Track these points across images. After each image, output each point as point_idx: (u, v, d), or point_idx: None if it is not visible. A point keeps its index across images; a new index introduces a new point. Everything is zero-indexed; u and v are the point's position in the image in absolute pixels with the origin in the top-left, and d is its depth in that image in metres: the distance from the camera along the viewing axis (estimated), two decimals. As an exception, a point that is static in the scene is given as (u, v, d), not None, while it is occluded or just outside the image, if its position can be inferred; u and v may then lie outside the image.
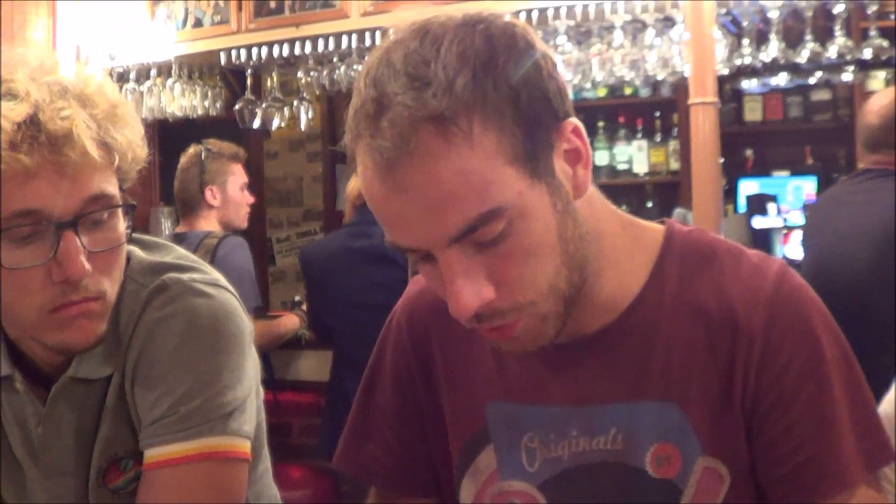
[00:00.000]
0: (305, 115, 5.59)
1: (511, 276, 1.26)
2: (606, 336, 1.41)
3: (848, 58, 4.40)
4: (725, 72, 4.46)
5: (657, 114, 7.03)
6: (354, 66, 4.98)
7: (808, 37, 4.33)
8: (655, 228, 1.47)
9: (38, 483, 1.65)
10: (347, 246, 4.48)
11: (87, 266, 1.48)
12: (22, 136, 1.41)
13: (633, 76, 4.60)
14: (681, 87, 5.34)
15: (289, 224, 7.71)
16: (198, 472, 1.55)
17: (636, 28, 4.49)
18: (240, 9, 5.06)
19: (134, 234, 1.63)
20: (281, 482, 1.93)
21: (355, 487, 4.15)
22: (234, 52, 5.17)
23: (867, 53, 4.39)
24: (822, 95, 6.74)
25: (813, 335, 1.35)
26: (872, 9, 4.36)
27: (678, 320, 1.39)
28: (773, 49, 4.33)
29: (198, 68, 5.62)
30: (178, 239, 4.43)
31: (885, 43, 4.35)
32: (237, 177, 4.73)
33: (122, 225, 1.56)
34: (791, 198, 6.71)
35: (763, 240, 5.90)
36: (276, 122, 5.58)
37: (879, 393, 1.89)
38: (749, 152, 7.12)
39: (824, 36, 4.36)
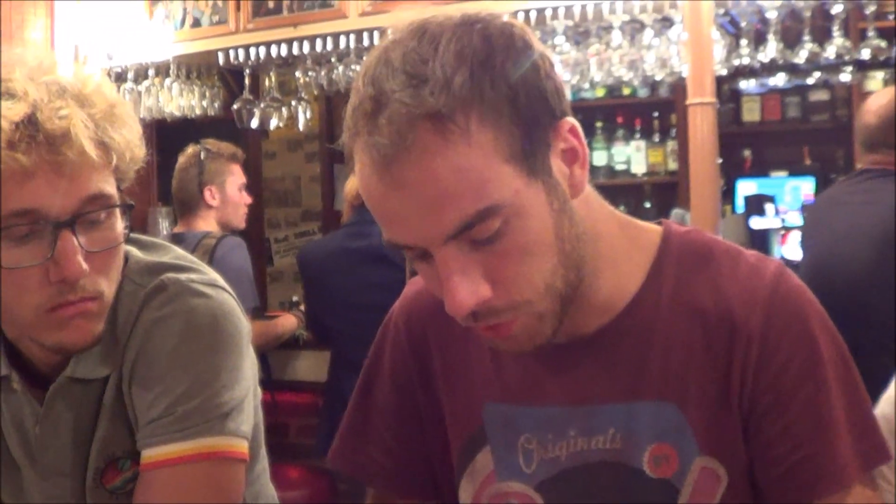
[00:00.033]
0: (303, 116, 5.59)
1: (507, 274, 1.26)
2: (604, 336, 1.41)
3: (846, 58, 4.40)
4: (724, 72, 4.46)
5: (655, 114, 7.04)
6: (353, 67, 4.97)
7: (807, 37, 4.32)
8: (652, 229, 1.47)
9: (35, 484, 1.65)
10: (345, 246, 4.48)
11: (85, 266, 1.48)
12: (20, 135, 1.41)
13: (631, 76, 4.60)
14: (679, 87, 5.35)
15: (287, 224, 7.71)
16: (195, 472, 1.55)
17: (634, 28, 4.49)
18: (238, 9, 5.06)
19: (132, 234, 1.63)
20: (278, 482, 1.93)
21: (352, 487, 4.16)
22: (232, 52, 5.17)
23: (865, 54, 4.39)
24: (821, 96, 6.75)
25: (810, 336, 1.36)
26: (871, 9, 4.35)
27: (675, 320, 1.39)
28: (772, 49, 4.33)
29: (196, 68, 5.63)
30: (177, 239, 4.42)
31: (884, 43, 4.35)
32: (236, 177, 4.73)
33: (119, 225, 1.56)
34: (789, 198, 6.72)
35: (761, 240, 5.89)
36: (274, 123, 5.58)
37: (878, 393, 1.89)
38: (747, 153, 7.13)
39: (822, 36, 4.36)
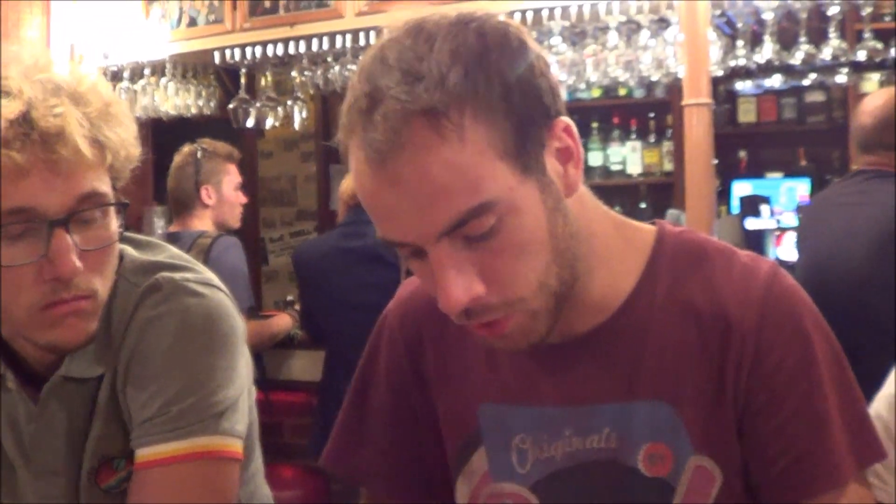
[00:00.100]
0: (299, 115, 5.60)
1: (501, 271, 1.26)
2: (599, 336, 1.41)
3: (842, 59, 4.41)
4: (720, 73, 4.47)
5: (651, 115, 7.03)
6: (349, 66, 4.98)
7: (803, 38, 4.33)
8: (647, 229, 1.47)
9: (28, 483, 1.64)
10: (341, 246, 4.47)
11: (79, 264, 1.47)
12: (14, 133, 1.41)
13: (627, 77, 4.61)
14: (675, 88, 5.33)
15: (282, 224, 7.71)
16: (189, 471, 1.55)
17: (631, 29, 4.50)
18: (234, 8, 5.06)
19: (127, 233, 1.63)
20: (272, 482, 1.93)
21: (346, 487, 4.15)
22: (228, 52, 5.17)
23: (861, 55, 4.39)
24: (816, 97, 6.75)
25: (804, 335, 1.36)
26: (867, 11, 4.35)
27: (670, 320, 1.40)
28: (768, 50, 4.33)
29: (192, 67, 5.63)
30: (172, 238, 4.42)
31: (880, 45, 4.36)
32: (232, 177, 4.72)
33: (114, 223, 1.56)
34: (784, 199, 6.72)
35: (756, 241, 5.89)
36: (269, 122, 5.59)
37: (876, 392, 1.90)
38: (743, 154, 7.12)
39: (818, 38, 4.37)
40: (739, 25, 4.42)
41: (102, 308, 1.58)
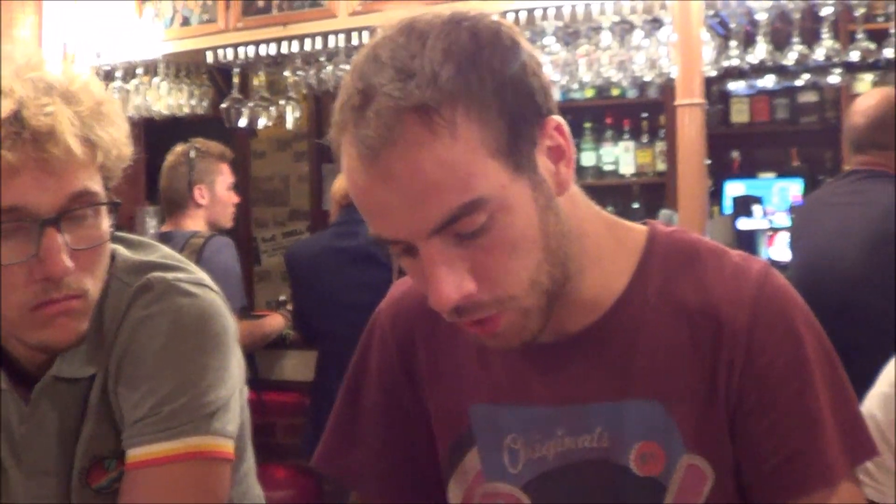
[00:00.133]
0: (292, 115, 5.59)
1: (492, 269, 1.26)
2: (591, 335, 1.41)
3: (835, 60, 4.42)
4: (713, 73, 4.48)
5: (644, 115, 7.04)
6: (342, 66, 4.98)
7: (796, 39, 4.34)
8: (638, 229, 1.48)
9: (20, 484, 1.64)
10: (333, 246, 4.48)
11: (70, 264, 1.47)
12: (6, 132, 1.41)
13: (620, 77, 4.61)
14: (668, 88, 5.35)
15: (274, 224, 7.70)
16: (181, 471, 1.54)
17: (624, 29, 4.50)
18: (227, 8, 5.06)
19: (119, 233, 1.63)
20: (264, 482, 1.92)
21: (338, 487, 4.15)
22: (221, 51, 5.16)
23: (854, 56, 4.40)
24: (809, 97, 6.76)
25: (796, 334, 1.37)
26: (860, 11, 4.36)
27: (662, 319, 1.40)
28: (761, 51, 4.34)
29: (185, 67, 5.62)
30: (164, 238, 4.41)
31: (872, 45, 4.36)
32: (225, 176, 4.72)
33: (105, 223, 1.55)
34: (777, 199, 6.72)
35: (748, 241, 5.91)
36: (262, 122, 5.58)
37: (868, 391, 1.90)
38: (735, 154, 7.13)
39: (811, 38, 4.37)
40: (732, 26, 4.43)
41: (94, 308, 1.57)
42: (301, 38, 4.94)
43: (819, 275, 3.59)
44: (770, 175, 6.93)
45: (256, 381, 4.70)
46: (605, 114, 7.12)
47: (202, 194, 4.62)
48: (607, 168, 7.07)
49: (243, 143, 7.35)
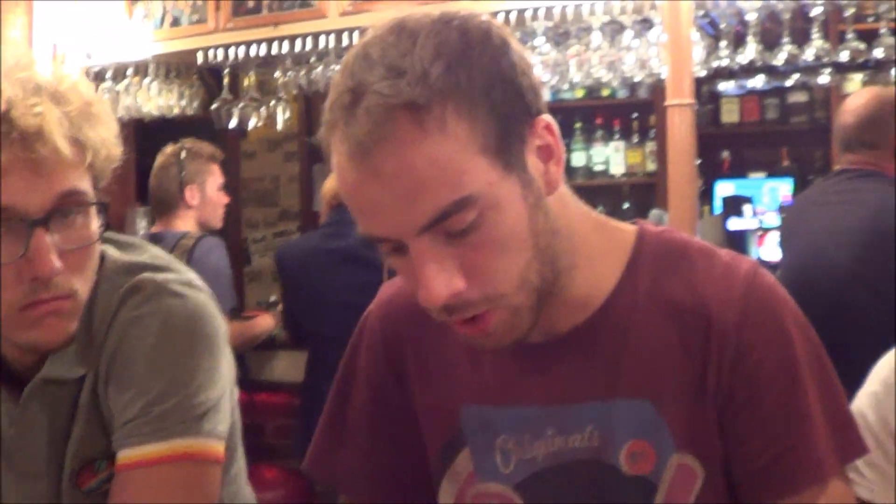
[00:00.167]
0: (282, 115, 5.58)
1: (482, 267, 1.27)
2: (580, 334, 1.42)
3: (825, 60, 4.42)
4: (703, 74, 4.48)
5: (634, 115, 7.03)
6: (332, 66, 4.97)
7: (785, 39, 4.34)
8: (627, 228, 1.48)
9: (10, 485, 1.63)
10: (323, 246, 4.47)
11: (58, 264, 1.47)
12: (-6, 132, 1.41)
13: (610, 77, 4.61)
14: (658, 88, 5.35)
15: (265, 224, 7.69)
16: (171, 473, 1.54)
17: (614, 29, 4.50)
18: (217, 8, 5.05)
19: (109, 234, 1.62)
20: (254, 483, 1.92)
21: (329, 488, 4.14)
22: (211, 52, 5.15)
23: (844, 56, 4.41)
24: (799, 97, 6.76)
25: (785, 332, 1.37)
26: (849, 11, 4.37)
27: (651, 318, 1.40)
28: (751, 51, 4.34)
29: (175, 67, 5.61)
30: (155, 239, 4.41)
31: (862, 45, 4.37)
32: (215, 177, 4.71)
33: (94, 223, 1.55)
34: (767, 199, 6.73)
35: (738, 241, 5.91)
36: (252, 122, 5.57)
37: (859, 389, 1.90)
38: (726, 154, 7.13)
39: (801, 38, 4.37)
40: (722, 26, 4.43)
41: (83, 308, 1.57)
42: (291, 38, 4.93)
43: (810, 274, 3.60)
44: (760, 175, 6.94)
45: (247, 381, 4.70)
46: (595, 114, 7.11)
47: (193, 195, 4.61)
48: (598, 168, 7.07)
49: (233, 144, 7.33)
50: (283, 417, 5.04)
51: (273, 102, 5.53)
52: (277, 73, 5.37)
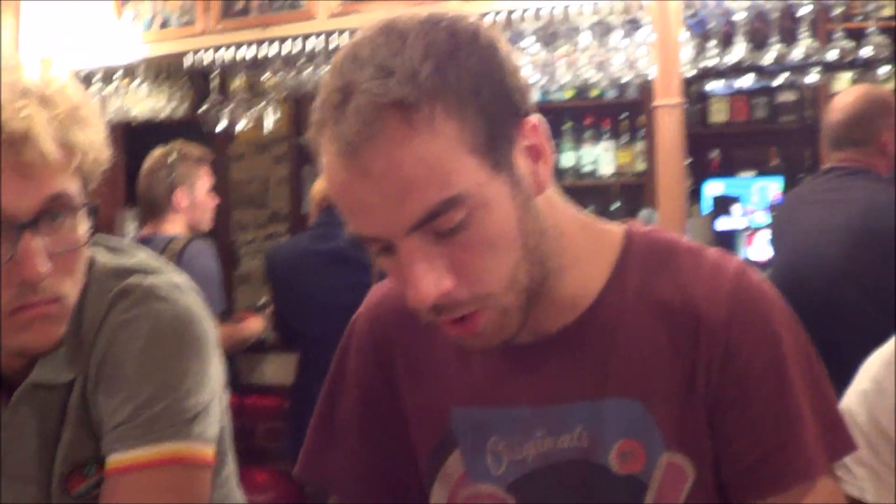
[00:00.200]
0: (272, 117, 5.58)
1: (471, 266, 1.27)
2: (569, 334, 1.42)
3: (813, 59, 4.43)
4: (691, 73, 4.49)
5: (623, 115, 7.02)
6: (322, 68, 4.96)
7: (774, 38, 4.35)
8: (616, 229, 1.49)
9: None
10: (312, 248, 4.47)
11: (46, 267, 1.46)
12: (-19, 136, 1.40)
13: (599, 78, 4.61)
14: (647, 88, 5.35)
15: (254, 226, 7.68)
16: (161, 477, 1.54)
17: (602, 30, 4.51)
18: (206, 10, 5.04)
19: (98, 237, 1.62)
20: (245, 486, 1.92)
21: (319, 491, 4.15)
22: (200, 54, 5.14)
23: (832, 55, 4.42)
24: (788, 97, 6.76)
25: (773, 331, 1.37)
26: (837, 11, 4.38)
27: (640, 318, 1.41)
28: (739, 51, 4.36)
29: (164, 70, 5.60)
30: (144, 242, 4.39)
31: (851, 44, 4.38)
32: (205, 180, 4.70)
33: (83, 226, 1.54)
34: (756, 198, 6.74)
35: (727, 241, 5.92)
36: (241, 124, 5.56)
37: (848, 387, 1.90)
38: (714, 153, 7.13)
39: (790, 38, 4.39)
40: (711, 26, 4.44)
41: (72, 312, 1.57)
42: (280, 40, 4.93)
43: (800, 272, 3.60)
44: (749, 174, 6.94)
45: (237, 384, 4.70)
46: (584, 114, 7.10)
47: (182, 198, 4.60)
48: (587, 168, 7.06)
49: (222, 146, 7.32)
50: (273, 420, 5.04)
51: (262, 104, 5.52)
52: (267, 75, 5.36)
